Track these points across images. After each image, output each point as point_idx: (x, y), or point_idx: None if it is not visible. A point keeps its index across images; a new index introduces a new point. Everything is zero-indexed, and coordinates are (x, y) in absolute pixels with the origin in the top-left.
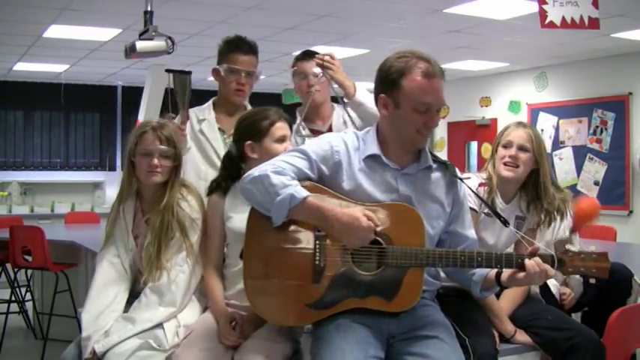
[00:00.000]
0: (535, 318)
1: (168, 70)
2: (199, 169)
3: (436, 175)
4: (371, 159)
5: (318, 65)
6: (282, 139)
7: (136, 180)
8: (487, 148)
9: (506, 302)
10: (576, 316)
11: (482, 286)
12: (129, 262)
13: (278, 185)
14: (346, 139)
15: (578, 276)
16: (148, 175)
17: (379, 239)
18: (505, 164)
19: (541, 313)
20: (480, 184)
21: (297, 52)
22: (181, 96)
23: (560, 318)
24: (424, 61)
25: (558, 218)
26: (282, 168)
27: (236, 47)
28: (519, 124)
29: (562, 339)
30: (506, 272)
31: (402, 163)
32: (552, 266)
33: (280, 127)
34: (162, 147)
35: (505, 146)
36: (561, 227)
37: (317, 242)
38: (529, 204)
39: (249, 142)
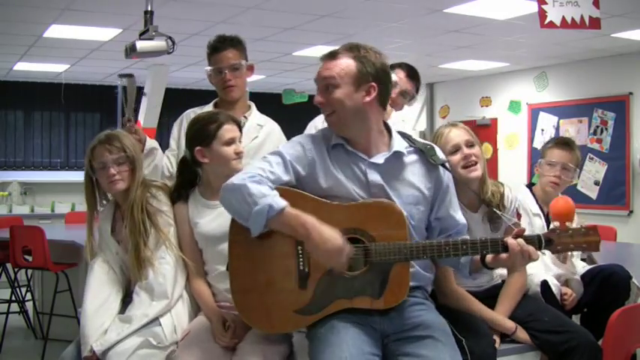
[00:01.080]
0: (532, 320)
1: (121, 75)
2: None
3: (411, 159)
4: (338, 149)
5: None
6: (230, 142)
7: (94, 197)
8: (487, 148)
9: (505, 301)
10: (576, 318)
11: (470, 269)
12: (118, 265)
13: (256, 195)
14: (317, 135)
15: (578, 277)
16: (110, 186)
17: (361, 238)
18: (465, 167)
19: (538, 314)
20: None
21: (298, 52)
22: (130, 97)
23: (557, 319)
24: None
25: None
26: (260, 177)
27: (213, 48)
28: (449, 125)
29: (559, 342)
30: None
31: (368, 152)
32: (540, 247)
33: (228, 130)
34: (113, 156)
35: (454, 152)
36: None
37: (299, 247)
38: (493, 198)
39: (198, 147)
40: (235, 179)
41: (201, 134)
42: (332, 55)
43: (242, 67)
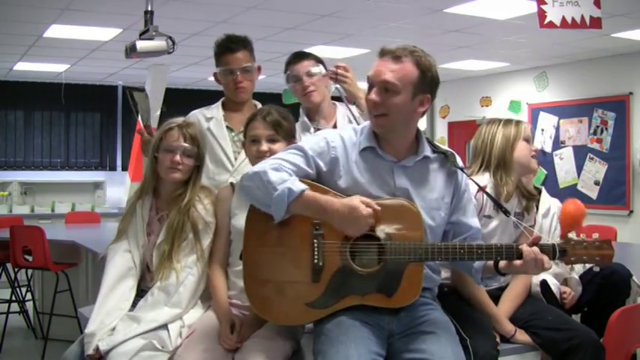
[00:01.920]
0: (535, 318)
1: (126, 88)
2: (207, 168)
3: (435, 165)
4: (367, 152)
5: (332, 79)
6: (253, 139)
7: (155, 176)
8: None
9: (507, 302)
10: (576, 317)
11: (483, 275)
12: (139, 259)
13: (276, 181)
14: (343, 135)
15: (576, 276)
16: (169, 171)
17: (377, 235)
18: (533, 157)
19: (541, 313)
20: (478, 191)
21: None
22: (142, 107)
23: (561, 318)
24: (391, 47)
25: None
26: (279, 164)
27: (225, 49)
28: (519, 120)
29: (562, 339)
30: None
31: (399, 155)
32: (554, 256)
33: (252, 127)
34: (186, 144)
35: (527, 140)
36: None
37: (315, 241)
38: (526, 198)
39: (244, 142)
40: (255, 167)
41: (244, 129)
42: (396, 57)
43: (253, 69)
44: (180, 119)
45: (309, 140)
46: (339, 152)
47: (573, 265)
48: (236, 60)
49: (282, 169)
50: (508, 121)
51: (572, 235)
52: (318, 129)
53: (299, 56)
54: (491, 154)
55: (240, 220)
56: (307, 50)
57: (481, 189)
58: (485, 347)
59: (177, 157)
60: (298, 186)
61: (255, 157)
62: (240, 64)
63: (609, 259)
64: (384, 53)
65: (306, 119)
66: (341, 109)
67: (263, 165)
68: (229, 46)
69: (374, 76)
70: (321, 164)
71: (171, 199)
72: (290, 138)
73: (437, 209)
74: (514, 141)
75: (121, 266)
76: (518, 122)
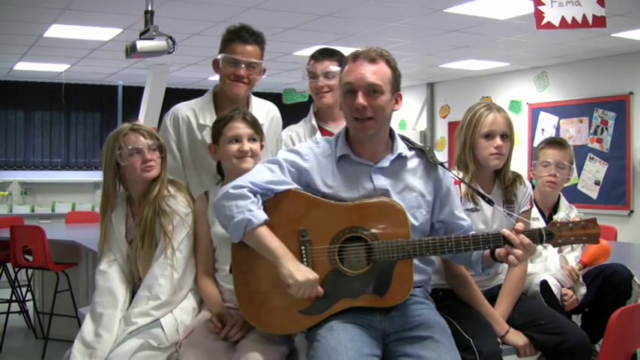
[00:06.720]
0: (529, 321)
1: None
2: (201, 179)
3: (413, 163)
4: (343, 160)
5: None
6: (233, 139)
7: (121, 185)
8: None
9: (504, 298)
10: (577, 318)
11: (482, 265)
12: (128, 267)
13: (241, 206)
14: (314, 147)
15: (581, 279)
16: (144, 172)
17: (363, 236)
18: (492, 154)
19: (537, 315)
20: (455, 183)
21: (298, 52)
22: None
23: (553, 322)
24: (361, 49)
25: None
26: (251, 188)
27: (237, 36)
28: (493, 108)
29: (553, 343)
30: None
31: (374, 158)
32: (541, 241)
33: (232, 127)
34: (148, 141)
35: (487, 136)
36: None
37: (302, 248)
38: (511, 185)
39: (211, 144)
40: (230, 187)
41: (214, 131)
42: (372, 60)
43: (259, 66)
44: (128, 124)
45: (283, 152)
46: (312, 164)
47: (579, 272)
48: (245, 51)
49: (251, 196)
50: (472, 116)
51: (556, 217)
52: (324, 129)
53: (322, 54)
54: (458, 153)
55: (218, 227)
56: (305, 50)
57: (460, 180)
58: (489, 346)
59: (148, 155)
60: (259, 217)
61: (237, 157)
62: (248, 57)
63: (596, 238)
64: (357, 56)
65: (314, 121)
66: None
67: (238, 184)
68: (242, 35)
69: (357, 80)
70: (296, 175)
71: (142, 199)
72: (262, 138)
73: (417, 207)
74: (473, 137)
75: (112, 275)
76: (479, 112)
